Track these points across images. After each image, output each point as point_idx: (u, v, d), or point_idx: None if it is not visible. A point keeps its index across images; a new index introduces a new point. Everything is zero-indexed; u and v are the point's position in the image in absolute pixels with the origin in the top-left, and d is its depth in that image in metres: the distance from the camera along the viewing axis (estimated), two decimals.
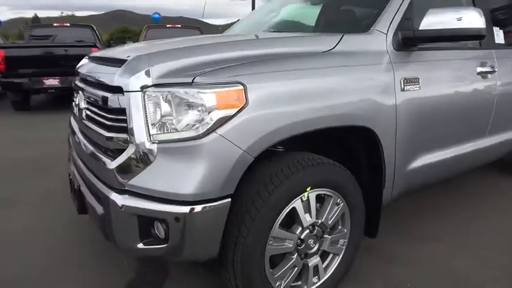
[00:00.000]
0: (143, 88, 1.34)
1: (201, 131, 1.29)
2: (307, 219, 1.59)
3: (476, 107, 2.30)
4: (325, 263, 1.77)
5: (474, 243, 2.32)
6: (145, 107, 1.34)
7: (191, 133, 1.30)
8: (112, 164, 1.41)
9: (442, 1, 2.19)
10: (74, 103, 2.14)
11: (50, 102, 7.96)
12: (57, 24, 7.69)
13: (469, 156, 2.34)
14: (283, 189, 1.46)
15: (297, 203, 1.54)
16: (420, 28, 1.82)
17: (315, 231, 1.65)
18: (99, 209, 1.51)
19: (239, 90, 1.31)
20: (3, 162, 3.87)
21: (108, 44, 9.48)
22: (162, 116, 1.33)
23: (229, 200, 1.34)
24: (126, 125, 1.38)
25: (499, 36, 2.59)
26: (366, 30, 1.83)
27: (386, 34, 1.82)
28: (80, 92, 1.82)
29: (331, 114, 1.53)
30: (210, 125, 1.28)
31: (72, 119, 2.22)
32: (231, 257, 1.45)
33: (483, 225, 2.54)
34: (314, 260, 1.69)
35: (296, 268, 1.63)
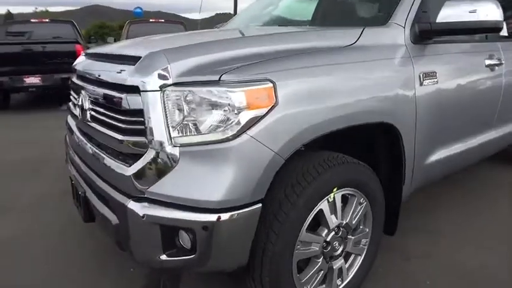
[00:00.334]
0: (162, 87, 1.24)
1: (230, 133, 1.19)
2: (333, 220, 1.53)
3: (487, 99, 2.30)
4: (347, 264, 1.71)
5: (484, 237, 2.32)
6: (165, 107, 1.24)
7: (218, 135, 1.21)
8: (129, 170, 1.30)
9: None
10: (72, 103, 2.00)
11: (30, 101, 7.63)
12: (36, 20, 7.32)
13: (480, 147, 2.35)
14: (311, 190, 1.39)
15: (323, 205, 1.47)
16: (437, 21, 1.78)
17: (340, 233, 1.59)
18: (113, 219, 1.40)
19: (269, 88, 1.23)
20: None
21: (89, 40, 9.15)
22: (184, 118, 1.23)
23: (260, 205, 1.26)
24: (143, 127, 1.27)
25: (503, 28, 2.59)
26: (382, 23, 1.77)
27: (404, 27, 1.77)
28: (83, 92, 1.68)
29: (360, 111, 1.47)
30: (240, 127, 1.19)
31: (70, 119, 2.08)
32: (258, 264, 1.37)
33: (486, 218, 2.55)
34: (339, 263, 1.63)
35: (322, 271, 1.57)
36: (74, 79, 1.95)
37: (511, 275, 1.97)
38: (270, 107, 1.22)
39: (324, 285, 1.63)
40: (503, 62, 2.36)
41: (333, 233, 1.55)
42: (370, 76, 1.54)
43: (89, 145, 1.64)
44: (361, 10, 2.26)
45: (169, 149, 1.24)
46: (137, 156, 1.30)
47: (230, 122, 1.20)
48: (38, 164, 3.64)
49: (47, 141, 4.47)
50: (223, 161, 1.20)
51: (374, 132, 1.74)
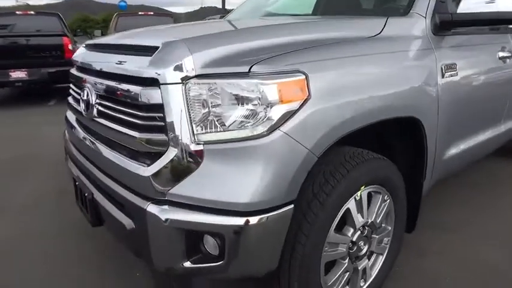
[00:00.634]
0: (184, 80, 1.13)
1: (262, 129, 1.10)
2: (359, 219, 1.46)
3: (500, 91, 2.27)
4: (369, 263, 1.65)
5: (495, 231, 2.30)
6: (187, 102, 1.13)
7: (248, 132, 1.11)
8: (147, 170, 1.19)
9: None
10: (72, 97, 1.87)
11: (16, 96, 7.33)
12: (21, 13, 7.00)
13: (492, 140, 2.33)
14: (341, 189, 1.31)
15: (351, 203, 1.40)
16: (458, 11, 1.71)
17: (365, 232, 1.52)
18: (127, 223, 1.29)
19: (301, 81, 1.14)
20: None
21: (75, 34, 8.85)
22: (208, 113, 1.13)
23: (292, 206, 1.17)
24: (162, 123, 1.17)
25: None
26: (402, 13, 1.70)
27: (425, 17, 1.70)
28: (88, 85, 1.56)
29: (390, 105, 1.40)
30: (273, 122, 1.10)
31: (70, 114, 1.95)
32: (286, 268, 1.29)
33: (493, 212, 2.53)
34: (363, 263, 1.57)
35: (348, 273, 1.51)
36: (75, 72, 1.82)
37: None
38: (302, 101, 1.13)
39: (347, 287, 1.57)
40: None
41: (359, 232, 1.49)
42: (398, 68, 1.47)
43: (96, 143, 1.52)
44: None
45: (192, 146, 1.14)
46: (156, 155, 1.20)
47: (261, 117, 1.10)
48: (30, 162, 3.49)
49: (36, 138, 4.30)
50: (255, 159, 1.10)
51: (394, 126, 1.67)
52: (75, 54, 1.95)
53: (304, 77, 1.14)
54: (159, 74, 1.16)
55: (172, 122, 1.14)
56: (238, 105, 1.12)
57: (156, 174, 1.17)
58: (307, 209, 1.26)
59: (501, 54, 2.23)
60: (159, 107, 1.16)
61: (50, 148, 3.82)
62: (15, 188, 2.93)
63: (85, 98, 1.56)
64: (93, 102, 1.51)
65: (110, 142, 1.44)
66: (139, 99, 1.20)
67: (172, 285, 1.79)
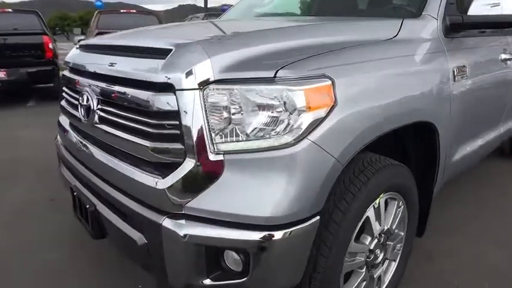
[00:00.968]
0: (202, 85, 1.06)
1: (290, 138, 1.04)
2: (377, 227, 1.42)
3: (502, 93, 2.29)
4: (383, 270, 1.62)
5: (494, 231, 2.32)
6: (205, 109, 1.06)
7: (272, 141, 1.04)
8: (162, 183, 1.11)
9: None
10: (66, 101, 1.75)
11: None
12: None
13: (493, 140, 2.35)
14: (362, 197, 1.27)
15: (370, 211, 1.36)
16: (468, 14, 1.70)
17: (381, 240, 1.48)
18: (138, 238, 1.20)
19: (328, 86, 1.08)
20: None
21: (54, 32, 8.53)
22: (229, 121, 1.06)
23: (318, 218, 1.11)
24: (178, 132, 1.09)
25: None
26: (416, 15, 1.67)
27: (437, 19, 1.67)
28: (87, 89, 1.45)
29: (412, 109, 1.37)
30: (302, 131, 1.04)
31: (63, 120, 1.83)
32: (306, 282, 1.23)
33: (495, 211, 2.56)
34: (379, 271, 1.53)
35: (365, 282, 1.47)
36: (69, 74, 1.71)
37: None
38: (329, 108, 1.08)
39: None
40: None
41: (376, 240, 1.45)
42: (417, 71, 1.44)
43: (98, 151, 1.42)
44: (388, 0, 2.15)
45: (212, 157, 1.06)
46: (171, 166, 1.11)
47: (288, 125, 1.04)
48: (14, 167, 3.31)
49: (19, 142, 4.09)
50: (281, 170, 1.04)
51: (408, 131, 1.64)
52: (68, 56, 1.83)
53: (330, 82, 1.09)
54: (173, 79, 1.08)
55: (189, 130, 1.06)
56: (262, 112, 1.05)
57: (172, 187, 1.09)
58: (329, 220, 1.21)
59: (503, 56, 2.24)
60: (174, 114, 1.08)
61: (34, 152, 3.65)
62: (1, 194, 2.75)
63: (84, 103, 1.45)
64: (94, 108, 1.40)
65: (115, 151, 1.34)
66: (151, 106, 1.12)
67: None
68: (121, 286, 1.80)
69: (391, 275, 1.64)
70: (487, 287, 1.84)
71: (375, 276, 1.52)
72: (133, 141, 1.21)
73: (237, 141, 1.06)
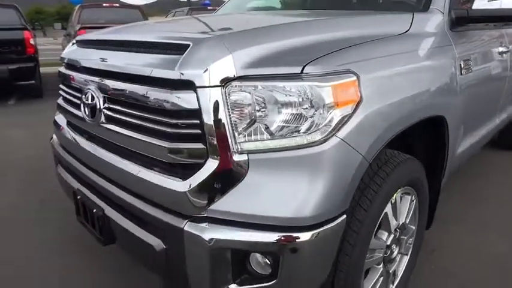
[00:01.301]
0: (224, 82, 1.01)
1: (318, 136, 1.00)
2: (393, 222, 1.41)
3: (500, 86, 2.33)
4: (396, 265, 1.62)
5: (495, 222, 2.37)
6: (228, 107, 1.01)
7: (300, 139, 1.01)
8: (183, 185, 1.06)
9: None
10: (64, 100, 1.66)
11: None
12: None
13: (490, 130, 2.40)
14: (382, 193, 1.25)
15: (388, 207, 1.34)
16: (473, 7, 1.71)
17: (397, 235, 1.48)
18: (156, 243, 1.15)
19: (353, 82, 1.05)
20: None
21: (33, 27, 8.18)
22: (253, 119, 1.02)
23: (345, 216, 1.09)
24: (199, 131, 1.04)
25: None
26: (424, 9, 1.66)
27: (444, 13, 1.67)
28: (91, 87, 1.37)
29: (428, 103, 1.36)
30: (331, 128, 1.01)
31: (60, 118, 1.74)
32: (329, 281, 1.21)
33: (494, 202, 2.62)
34: (394, 266, 1.53)
35: (382, 278, 1.46)
36: (65, 71, 1.63)
37: None
38: (356, 104, 1.05)
39: None
40: (510, 49, 2.39)
41: (392, 235, 1.44)
42: (431, 65, 1.43)
43: (106, 153, 1.36)
44: None
45: (236, 157, 1.02)
46: (192, 167, 1.06)
47: (316, 123, 1.00)
48: (1, 168, 3.15)
49: (2, 142, 3.91)
50: (309, 169, 1.01)
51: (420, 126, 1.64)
52: (64, 52, 1.74)
53: (355, 78, 1.06)
54: (194, 76, 1.02)
55: (211, 129, 1.02)
56: (288, 110, 1.01)
57: (193, 189, 1.04)
58: (351, 218, 1.19)
59: (501, 49, 2.27)
60: (195, 113, 1.03)
61: (17, 152, 3.52)
62: None
63: (89, 101, 1.37)
64: (101, 107, 1.33)
65: (125, 152, 1.28)
66: (169, 105, 1.06)
67: None
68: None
69: (403, 269, 1.65)
70: (489, 275, 1.88)
71: (390, 271, 1.52)
72: (147, 142, 1.15)
73: (262, 140, 1.02)
